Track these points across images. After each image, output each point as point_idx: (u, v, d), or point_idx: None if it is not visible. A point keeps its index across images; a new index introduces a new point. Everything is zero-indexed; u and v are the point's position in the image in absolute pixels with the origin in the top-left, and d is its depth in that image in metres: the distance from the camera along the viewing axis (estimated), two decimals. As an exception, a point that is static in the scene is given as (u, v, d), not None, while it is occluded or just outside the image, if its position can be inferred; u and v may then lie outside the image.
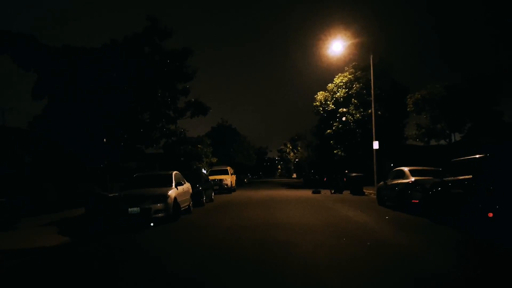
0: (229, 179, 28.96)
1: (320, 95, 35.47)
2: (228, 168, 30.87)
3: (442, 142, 20.40)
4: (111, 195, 11.71)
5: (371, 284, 4.86)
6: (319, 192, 25.18)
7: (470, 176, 8.99)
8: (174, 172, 13.60)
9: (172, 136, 19.66)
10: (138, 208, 11.09)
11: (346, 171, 26.36)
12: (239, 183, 40.31)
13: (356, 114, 32.41)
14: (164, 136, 19.09)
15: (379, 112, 29.46)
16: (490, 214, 8.01)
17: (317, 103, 35.56)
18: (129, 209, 11.08)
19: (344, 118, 32.80)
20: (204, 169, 31.82)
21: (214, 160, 30.29)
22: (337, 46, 26.26)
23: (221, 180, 27.94)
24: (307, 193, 25.71)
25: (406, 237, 8.28)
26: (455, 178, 9.83)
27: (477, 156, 9.30)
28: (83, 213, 12.38)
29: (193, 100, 20.35)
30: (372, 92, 26.16)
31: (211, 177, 25.11)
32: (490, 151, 9.35)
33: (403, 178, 13.97)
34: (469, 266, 5.72)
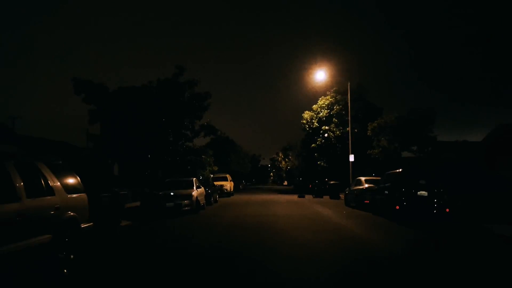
0: (228, 185, 34.10)
1: (306, 114, 40.95)
2: (228, 175, 36.05)
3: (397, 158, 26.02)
4: (160, 193, 16.60)
5: (316, 236, 9.99)
6: (303, 197, 30.37)
7: (389, 184, 14.24)
8: (194, 179, 18.69)
9: (190, 151, 24.91)
10: (173, 203, 16.10)
11: (326, 179, 31.64)
12: (235, 189, 45.36)
13: (336, 132, 37.98)
14: (185, 151, 24.35)
15: (356, 130, 34.86)
16: (397, 207, 13.17)
17: (304, 121, 41.05)
18: (166, 204, 16.09)
19: (326, 135, 38.36)
20: (202, 177, 36.69)
21: (216, 168, 35.26)
22: (320, 75, 31.86)
23: (222, 185, 32.93)
24: (294, 197, 30.92)
25: (347, 221, 13.44)
26: (384, 185, 15.05)
27: (397, 170, 14.54)
28: (138, 206, 17.35)
29: (205, 123, 25.79)
30: (349, 113, 31.55)
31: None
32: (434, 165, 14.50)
33: (360, 185, 19.17)
34: (374, 232, 10.92)
